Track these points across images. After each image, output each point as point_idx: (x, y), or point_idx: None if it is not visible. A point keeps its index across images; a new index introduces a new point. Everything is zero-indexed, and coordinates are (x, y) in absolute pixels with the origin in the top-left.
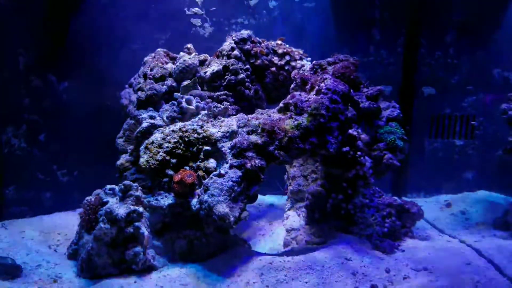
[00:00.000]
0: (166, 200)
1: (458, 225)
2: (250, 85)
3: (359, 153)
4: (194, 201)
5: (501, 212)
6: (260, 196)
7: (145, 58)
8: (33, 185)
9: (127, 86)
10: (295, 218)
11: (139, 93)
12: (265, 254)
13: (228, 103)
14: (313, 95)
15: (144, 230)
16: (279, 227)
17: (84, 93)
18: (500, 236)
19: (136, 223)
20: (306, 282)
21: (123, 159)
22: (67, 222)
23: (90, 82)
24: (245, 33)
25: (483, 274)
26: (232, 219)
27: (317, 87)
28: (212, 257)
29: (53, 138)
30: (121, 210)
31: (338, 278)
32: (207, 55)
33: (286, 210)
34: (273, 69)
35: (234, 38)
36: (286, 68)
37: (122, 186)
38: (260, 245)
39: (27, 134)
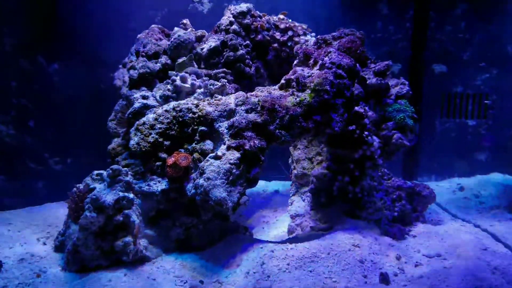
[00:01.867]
0: (159, 185)
1: (471, 209)
2: (250, 62)
3: (366, 132)
4: (190, 185)
5: None
6: (265, 182)
7: (139, 35)
8: (24, 175)
9: (120, 66)
10: (300, 204)
11: (131, 71)
12: (267, 241)
13: (226, 81)
14: (317, 70)
15: (135, 218)
16: (283, 214)
17: (76, 76)
18: None
19: (126, 211)
20: (311, 271)
21: (115, 143)
22: (59, 213)
23: (82, 64)
24: (244, 6)
25: (501, 260)
26: (230, 204)
27: (320, 61)
28: (211, 246)
29: (44, 124)
30: (108, 197)
31: (345, 266)
32: (205, 31)
33: (291, 195)
34: (275, 45)
35: (232, 12)
36: (289, 44)
37: (110, 171)
38: (263, 232)
39: (16, 120)
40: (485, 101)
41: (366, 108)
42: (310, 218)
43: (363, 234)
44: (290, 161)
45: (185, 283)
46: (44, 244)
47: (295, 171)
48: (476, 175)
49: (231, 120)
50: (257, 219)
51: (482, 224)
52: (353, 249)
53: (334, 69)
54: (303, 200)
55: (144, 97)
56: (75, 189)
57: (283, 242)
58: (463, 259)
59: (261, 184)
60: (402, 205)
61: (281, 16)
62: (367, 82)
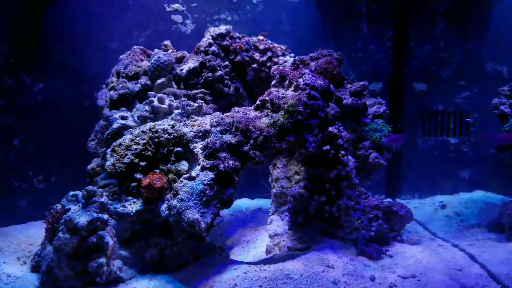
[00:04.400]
0: (134, 206)
1: (452, 228)
2: (229, 83)
3: (342, 151)
4: (164, 206)
5: (497, 213)
6: (248, 200)
7: (121, 56)
8: (7, 193)
9: (104, 86)
10: (278, 223)
11: (111, 92)
12: (241, 262)
13: (204, 102)
14: (291, 91)
15: (109, 240)
16: (264, 233)
17: (61, 95)
18: (495, 239)
19: (100, 232)
20: None
21: (94, 163)
22: (42, 232)
23: (66, 83)
24: (223, 28)
25: (476, 282)
26: (203, 225)
27: (295, 82)
28: (185, 267)
29: (28, 142)
30: (82, 218)
31: (317, 287)
32: (186, 52)
33: (270, 214)
34: (255, 65)
35: (211, 33)
36: (268, 64)
37: (85, 192)
38: (243, 252)
39: (0, 139)
40: (467, 119)
41: (341, 128)
42: (288, 237)
43: (339, 254)
44: (270, 180)
45: None
46: (24, 263)
47: (274, 190)
48: (459, 192)
49: (206, 141)
50: (238, 238)
51: (461, 243)
52: (327, 270)
53: (308, 91)
54: (282, 219)
55: (123, 118)
56: (52, 209)
57: (257, 263)
58: (437, 281)
59: (244, 202)
60: (379, 225)
61: (261, 37)
62: (343, 102)
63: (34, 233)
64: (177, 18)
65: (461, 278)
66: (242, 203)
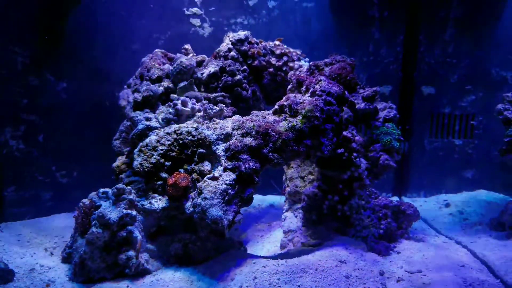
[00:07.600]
0: (160, 203)
1: (456, 225)
2: (247, 86)
3: (354, 154)
4: (188, 204)
5: (498, 212)
6: (260, 197)
7: (143, 59)
8: (32, 186)
9: (125, 86)
10: (292, 220)
11: (136, 94)
12: (259, 257)
13: (224, 105)
14: (308, 96)
15: (137, 234)
16: (277, 228)
17: (83, 93)
18: (496, 236)
19: (129, 227)
20: (299, 286)
21: (119, 161)
22: (65, 224)
23: (89, 82)
24: (242, 34)
25: (476, 277)
26: (225, 222)
27: (311, 88)
28: (207, 260)
29: (51, 139)
30: (113, 214)
31: (331, 281)
32: (205, 56)
33: (284, 211)
34: (271, 70)
35: (231, 39)
36: (284, 69)
37: (115, 190)
38: (258, 247)
39: (25, 135)
40: (471, 122)
41: (354, 132)
42: (302, 234)
43: (350, 250)
44: (284, 178)
45: None
46: (52, 254)
47: (288, 189)
48: (462, 191)
49: (228, 143)
50: (252, 233)
51: (464, 240)
52: (340, 265)
53: (324, 97)
54: (296, 217)
55: (147, 119)
56: (81, 204)
57: (274, 257)
58: (441, 275)
59: (258, 198)
60: (388, 223)
61: (277, 42)
62: (356, 107)
63: (59, 225)
64: (195, 21)
65: (463, 273)
66: (256, 199)
